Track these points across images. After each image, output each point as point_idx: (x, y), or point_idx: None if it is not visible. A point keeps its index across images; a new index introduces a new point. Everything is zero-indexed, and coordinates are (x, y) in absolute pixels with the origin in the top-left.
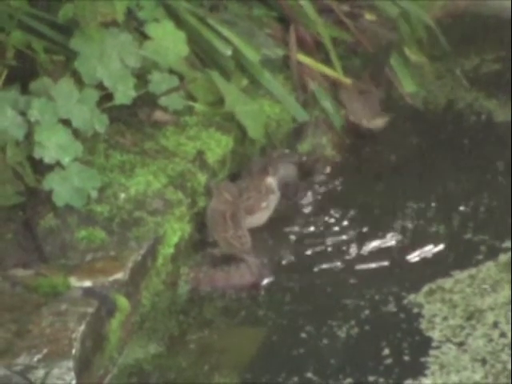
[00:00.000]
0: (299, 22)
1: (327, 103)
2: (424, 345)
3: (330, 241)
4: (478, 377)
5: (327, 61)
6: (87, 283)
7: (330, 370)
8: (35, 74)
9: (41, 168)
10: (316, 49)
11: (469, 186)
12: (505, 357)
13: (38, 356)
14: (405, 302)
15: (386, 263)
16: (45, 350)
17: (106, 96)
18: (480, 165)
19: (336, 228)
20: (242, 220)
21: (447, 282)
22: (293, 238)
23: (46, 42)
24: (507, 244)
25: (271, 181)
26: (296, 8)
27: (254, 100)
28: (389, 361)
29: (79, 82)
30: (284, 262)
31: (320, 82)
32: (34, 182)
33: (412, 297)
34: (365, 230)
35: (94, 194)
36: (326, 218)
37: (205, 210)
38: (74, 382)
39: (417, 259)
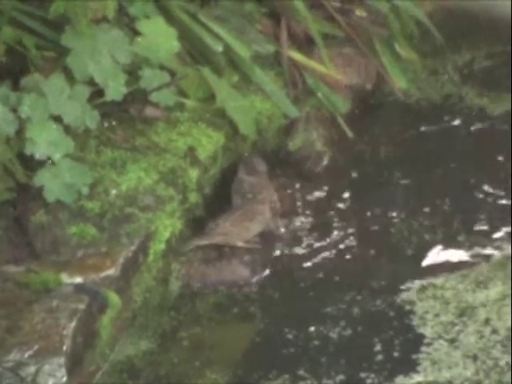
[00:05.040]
0: (290, 18)
1: (323, 93)
2: (416, 341)
3: (322, 238)
4: (469, 373)
5: (318, 57)
6: (78, 279)
7: (322, 367)
8: (26, 70)
9: (32, 164)
10: (307, 45)
11: (462, 183)
12: (496, 353)
13: (29, 352)
14: (397, 299)
15: (378, 260)
16: (36, 347)
17: (97, 92)
18: (475, 162)
19: (329, 226)
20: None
21: (439, 279)
22: (285, 235)
23: (37, 38)
24: (500, 242)
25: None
26: (287, 4)
27: (245, 96)
28: (381, 357)
29: (70, 78)
30: (276, 259)
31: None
32: (24, 178)
33: (404, 294)
34: (357, 227)
35: (85, 190)
36: (319, 216)
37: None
38: (65, 378)
39: (410, 255)
